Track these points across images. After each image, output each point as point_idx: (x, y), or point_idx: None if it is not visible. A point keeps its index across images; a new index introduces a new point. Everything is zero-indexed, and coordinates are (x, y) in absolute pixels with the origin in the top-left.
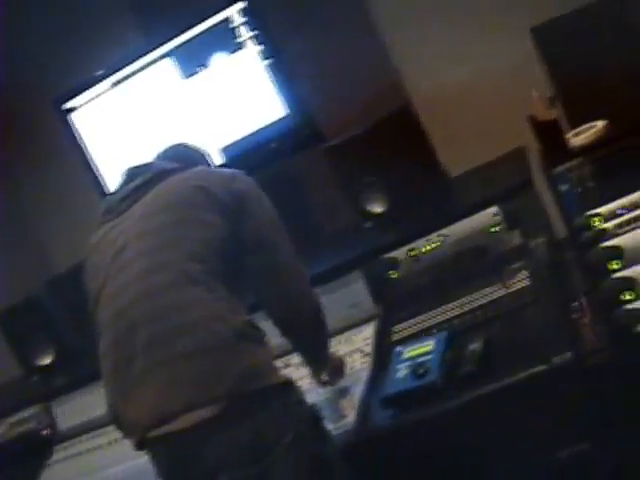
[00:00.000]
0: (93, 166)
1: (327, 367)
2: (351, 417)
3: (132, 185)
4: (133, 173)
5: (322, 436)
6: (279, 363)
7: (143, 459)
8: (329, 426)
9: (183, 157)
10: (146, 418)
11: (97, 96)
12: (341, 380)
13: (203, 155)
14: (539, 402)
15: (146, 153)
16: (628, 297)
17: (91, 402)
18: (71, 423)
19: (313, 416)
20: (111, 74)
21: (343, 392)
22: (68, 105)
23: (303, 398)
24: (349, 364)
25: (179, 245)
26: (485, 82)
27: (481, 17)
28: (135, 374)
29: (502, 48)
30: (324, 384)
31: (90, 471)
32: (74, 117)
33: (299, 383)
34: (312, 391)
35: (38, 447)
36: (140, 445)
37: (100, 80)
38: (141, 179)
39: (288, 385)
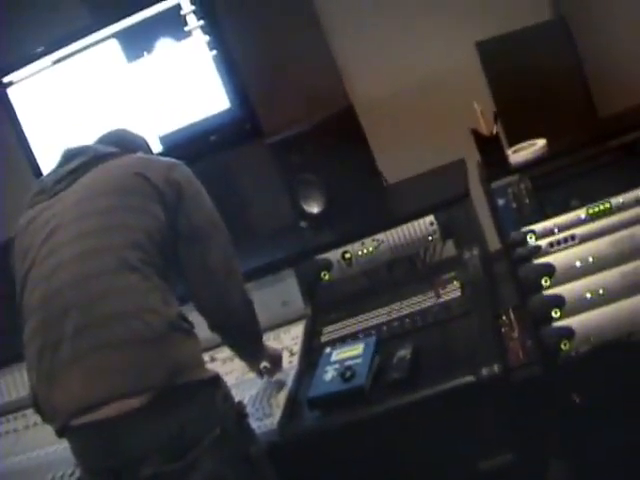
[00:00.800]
0: (26, 144)
1: (262, 360)
2: (277, 416)
3: (69, 167)
4: (70, 154)
5: (247, 434)
6: (205, 357)
7: (60, 446)
8: (254, 424)
9: (123, 142)
10: (71, 404)
11: (36, 73)
12: (279, 371)
13: (143, 141)
14: (464, 412)
15: (83, 135)
16: (556, 315)
17: (8, 384)
18: None
19: (238, 413)
20: (53, 51)
21: (271, 390)
22: (5, 79)
23: (230, 394)
24: None
25: (120, 231)
26: (429, 92)
27: (429, 26)
28: (62, 359)
29: (448, 59)
30: (262, 376)
31: (4, 455)
32: (10, 92)
33: (226, 378)
34: (239, 386)
35: None
36: (61, 432)
37: (41, 56)
38: (78, 161)
39: (215, 380)
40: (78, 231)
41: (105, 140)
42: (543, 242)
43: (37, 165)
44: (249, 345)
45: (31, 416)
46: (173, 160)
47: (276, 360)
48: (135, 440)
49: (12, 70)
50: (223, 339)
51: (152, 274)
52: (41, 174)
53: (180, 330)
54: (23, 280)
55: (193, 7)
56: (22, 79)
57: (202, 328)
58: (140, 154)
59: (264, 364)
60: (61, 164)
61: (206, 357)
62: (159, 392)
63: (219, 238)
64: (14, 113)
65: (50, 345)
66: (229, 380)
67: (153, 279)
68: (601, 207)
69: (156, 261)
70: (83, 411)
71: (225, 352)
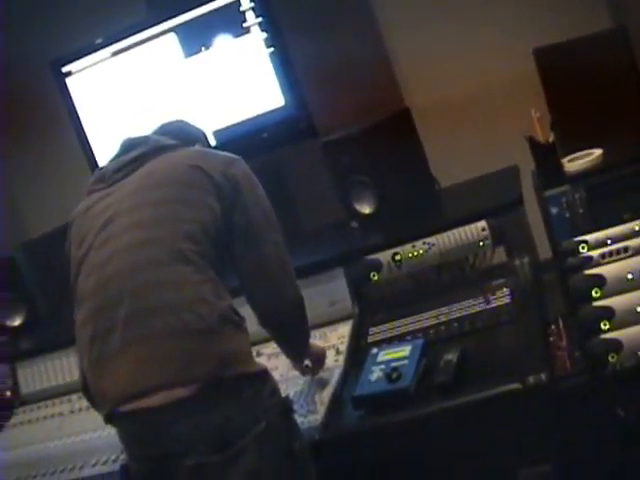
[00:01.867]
0: (83, 134)
1: (306, 358)
2: (321, 413)
3: (128, 156)
4: (130, 144)
5: (292, 429)
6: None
7: (103, 432)
8: (298, 420)
9: (182, 134)
10: (119, 391)
11: (95, 64)
12: (321, 370)
13: (201, 134)
14: (507, 419)
15: (138, 127)
16: (605, 327)
17: (56, 368)
18: (34, 388)
19: (285, 408)
20: (112, 43)
21: (315, 388)
22: (64, 69)
23: (277, 389)
24: None
25: (174, 222)
26: (485, 97)
27: (487, 31)
28: (113, 346)
29: (505, 65)
30: (305, 373)
31: (48, 438)
32: (69, 82)
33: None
34: (283, 382)
35: None
36: (109, 418)
37: (100, 48)
38: (138, 151)
39: (264, 374)
40: (134, 221)
41: (164, 131)
42: (595, 253)
43: (92, 154)
44: (296, 342)
45: (76, 401)
46: (231, 155)
47: (320, 358)
48: (180, 430)
49: (71, 60)
50: (271, 334)
51: (205, 266)
52: (96, 163)
53: (231, 323)
54: (78, 266)
55: (252, 4)
56: (81, 69)
57: (249, 322)
58: (199, 147)
59: (307, 362)
60: (121, 153)
61: (252, 351)
62: (207, 383)
63: (274, 234)
64: (72, 102)
65: (102, 332)
66: (274, 376)
67: (206, 271)
68: None
69: (209, 254)
70: (130, 398)
71: (271, 347)
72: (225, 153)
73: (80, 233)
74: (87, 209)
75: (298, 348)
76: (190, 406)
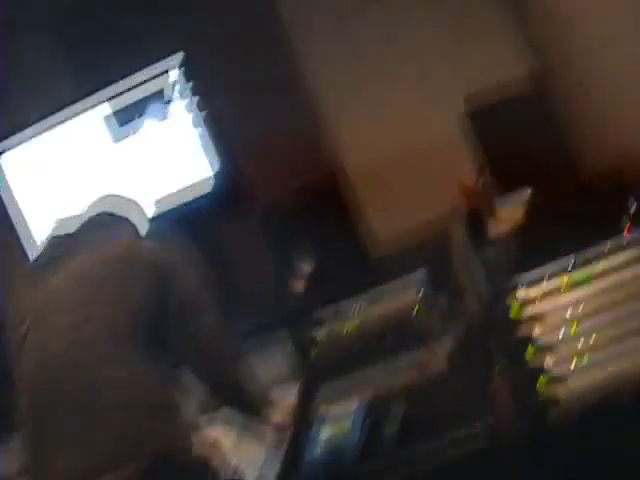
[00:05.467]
0: (17, 212)
1: (268, 421)
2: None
3: (56, 252)
4: (56, 241)
5: None
6: (204, 417)
7: None
8: None
9: (115, 210)
10: (64, 475)
11: (26, 141)
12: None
13: (135, 208)
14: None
15: (74, 202)
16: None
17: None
18: None
19: None
20: (41, 120)
21: (266, 456)
22: None
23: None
24: None
25: (109, 305)
26: (416, 148)
27: (414, 81)
28: (54, 431)
29: (435, 113)
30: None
31: None
32: (1, 161)
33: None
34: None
35: None
36: None
37: (30, 125)
38: (65, 247)
39: (202, 465)
40: (69, 307)
41: (97, 209)
42: (532, 292)
43: (28, 234)
44: (247, 409)
45: None
46: (163, 235)
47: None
48: None
49: (1, 139)
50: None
51: (142, 347)
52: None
53: (169, 407)
54: (18, 353)
55: (175, 80)
56: (12, 147)
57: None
58: (127, 235)
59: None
60: (48, 249)
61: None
62: (147, 466)
63: (207, 315)
64: (5, 182)
65: (42, 416)
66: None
67: (142, 351)
68: (587, 257)
69: (146, 334)
70: None
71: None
72: (155, 237)
73: (20, 314)
74: (19, 305)
75: (252, 413)
76: None
